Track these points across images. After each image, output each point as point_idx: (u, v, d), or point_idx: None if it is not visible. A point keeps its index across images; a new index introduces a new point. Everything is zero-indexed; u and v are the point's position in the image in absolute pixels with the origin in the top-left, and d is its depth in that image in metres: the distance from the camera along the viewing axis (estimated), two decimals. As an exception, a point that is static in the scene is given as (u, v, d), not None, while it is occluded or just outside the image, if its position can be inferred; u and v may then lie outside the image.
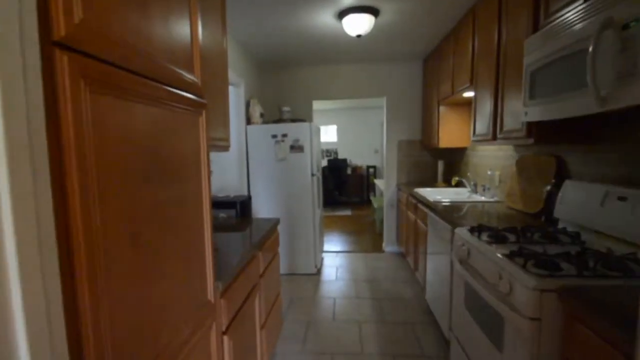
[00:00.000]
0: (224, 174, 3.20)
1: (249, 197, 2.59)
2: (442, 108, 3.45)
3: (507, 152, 2.62)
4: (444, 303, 2.20)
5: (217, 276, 1.29)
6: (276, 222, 2.22)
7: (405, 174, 4.22)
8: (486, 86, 2.27)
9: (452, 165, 3.98)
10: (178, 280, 0.97)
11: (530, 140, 1.77)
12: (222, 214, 2.33)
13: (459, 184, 3.68)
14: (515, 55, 1.89)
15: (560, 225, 1.78)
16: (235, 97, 3.37)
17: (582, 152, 1.79)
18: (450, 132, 3.47)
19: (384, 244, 4.34)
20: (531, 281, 1.15)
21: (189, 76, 1.07)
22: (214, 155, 2.93)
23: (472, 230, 1.72)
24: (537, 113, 1.60)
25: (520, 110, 1.85)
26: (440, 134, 3.47)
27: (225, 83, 2.14)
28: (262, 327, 1.87)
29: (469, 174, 3.19)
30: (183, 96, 1.01)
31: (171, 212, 0.93)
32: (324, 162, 8.20)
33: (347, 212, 6.98)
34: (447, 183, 3.97)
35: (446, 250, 2.16)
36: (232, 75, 3.13)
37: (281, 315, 2.37)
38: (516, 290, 1.23)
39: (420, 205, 2.98)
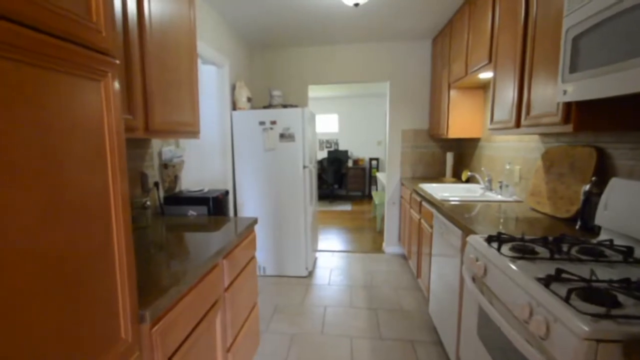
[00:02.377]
0: (205, 165, 2.85)
1: (226, 192, 2.23)
2: (452, 93, 3.05)
3: (529, 143, 2.23)
4: (451, 323, 1.84)
5: (146, 301, 0.94)
6: (252, 222, 1.86)
7: (409, 167, 3.83)
8: (509, 62, 1.87)
9: (462, 158, 3.58)
10: (48, 322, 0.61)
11: (568, 127, 1.39)
12: (192, 212, 1.99)
13: (470, 180, 3.29)
14: (549, 19, 1.50)
15: (604, 236, 1.40)
16: (219, 79, 2.99)
17: (634, 142, 1.40)
18: (462, 120, 3.07)
19: (384, 244, 3.98)
20: (581, 325, 0.79)
21: (74, 15, 0.70)
22: (191, 143, 2.59)
23: (489, 239, 1.35)
24: (580, 90, 1.21)
25: (553, 91, 1.46)
26: (450, 123, 3.07)
27: (190, 57, 1.77)
28: (228, 350, 1.54)
29: (483, 168, 2.81)
30: (52, 43, 0.64)
31: (24, 221, 0.58)
32: (324, 154, 7.82)
33: (347, 208, 6.62)
34: (457, 178, 3.58)
35: (454, 259, 1.80)
36: (215, 54, 2.76)
37: (259, 330, 2.03)
38: (556, 334, 0.86)
39: (425, 204, 2.61)
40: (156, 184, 1.89)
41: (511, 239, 1.34)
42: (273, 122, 3.11)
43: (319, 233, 4.79)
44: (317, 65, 3.80)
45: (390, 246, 3.92)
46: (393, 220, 3.91)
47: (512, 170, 2.42)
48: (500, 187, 2.49)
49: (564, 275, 1.01)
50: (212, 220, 1.85)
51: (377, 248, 4.09)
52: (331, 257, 3.78)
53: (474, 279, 1.40)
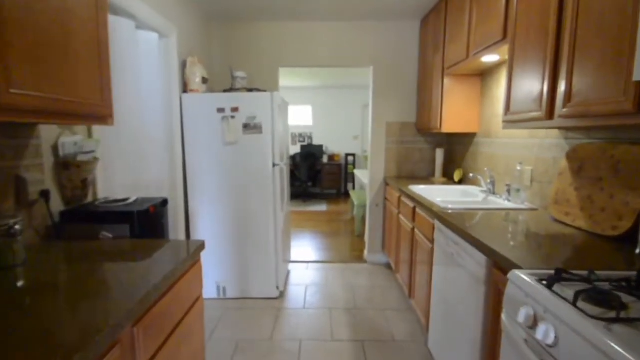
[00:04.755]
0: (144, 163, 2.22)
1: (164, 202, 1.64)
2: (447, 81, 2.59)
3: (545, 140, 1.81)
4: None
5: None
6: (198, 247, 1.29)
7: (394, 164, 3.37)
8: (537, 36, 1.40)
9: (453, 155, 3.16)
10: None
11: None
12: (105, 234, 1.38)
13: (463, 180, 2.87)
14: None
15: None
16: (162, 51, 2.35)
17: None
18: (457, 112, 2.62)
19: (365, 252, 3.51)
20: None
21: None
22: (120, 134, 1.95)
23: (550, 282, 0.88)
24: None
25: (616, 69, 1.00)
26: (444, 115, 2.62)
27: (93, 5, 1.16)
28: None
29: (485, 168, 2.38)
30: None
31: None
32: (297, 148, 7.25)
33: (322, 207, 6.11)
34: (448, 178, 3.15)
35: (474, 292, 1.32)
36: (157, 18, 2.12)
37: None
38: None
39: (420, 211, 2.14)
40: (45, 194, 1.27)
41: (579, 278, 0.88)
42: (235, 109, 2.51)
43: (292, 239, 4.24)
44: (290, 45, 3.23)
45: (373, 254, 3.45)
46: (376, 224, 3.44)
47: (522, 171, 1.99)
48: (508, 191, 2.06)
49: None
50: (134, 247, 1.26)
51: (358, 256, 3.61)
52: (306, 270, 3.25)
53: (526, 340, 0.92)
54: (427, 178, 3.24)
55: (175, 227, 2.52)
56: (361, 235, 4.26)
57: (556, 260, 1.08)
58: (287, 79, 6.08)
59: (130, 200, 1.57)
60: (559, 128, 1.65)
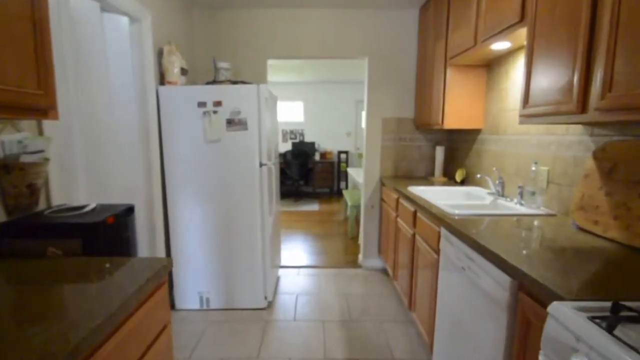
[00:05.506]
0: (114, 164, 1.97)
1: (128, 210, 1.40)
2: (450, 72, 2.39)
3: (564, 137, 1.62)
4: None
5: None
6: (162, 267, 1.07)
7: (391, 163, 3.16)
8: (565, 12, 1.20)
9: (454, 153, 2.97)
10: None
11: None
12: (53, 250, 1.14)
13: (466, 181, 2.68)
14: None
15: None
16: (134, 37, 2.10)
17: None
18: (461, 107, 2.43)
19: (360, 256, 3.31)
20: None
21: None
22: (86, 131, 1.70)
23: (609, 322, 0.68)
24: None
25: None
26: (447, 110, 2.42)
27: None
28: None
29: (494, 168, 2.18)
30: None
31: None
32: (288, 146, 7.01)
33: (314, 207, 5.89)
34: (448, 178, 2.97)
35: (494, 318, 1.12)
36: (123, -3, 1.87)
37: None
38: None
39: (422, 215, 1.94)
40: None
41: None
42: (217, 103, 2.28)
43: (282, 241, 4.02)
44: (279, 35, 2.99)
45: (368, 258, 3.25)
46: (371, 227, 3.24)
47: (537, 172, 1.80)
48: (521, 194, 1.86)
49: None
50: (83, 269, 1.03)
51: (352, 260, 3.41)
52: (296, 276, 3.04)
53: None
54: (426, 178, 3.05)
55: (152, 235, 2.28)
56: (355, 238, 4.06)
57: (600, 284, 0.88)
58: (277, 74, 5.83)
59: (87, 209, 1.33)
60: (593, 124, 1.44)
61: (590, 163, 1.39)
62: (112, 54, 1.99)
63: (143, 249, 2.20)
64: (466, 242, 1.34)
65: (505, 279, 1.05)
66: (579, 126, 1.53)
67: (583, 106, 1.15)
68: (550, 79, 1.30)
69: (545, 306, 0.84)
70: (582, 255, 1.09)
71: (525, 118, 1.46)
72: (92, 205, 1.38)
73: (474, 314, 1.28)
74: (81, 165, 1.71)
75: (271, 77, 5.96)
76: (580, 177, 1.48)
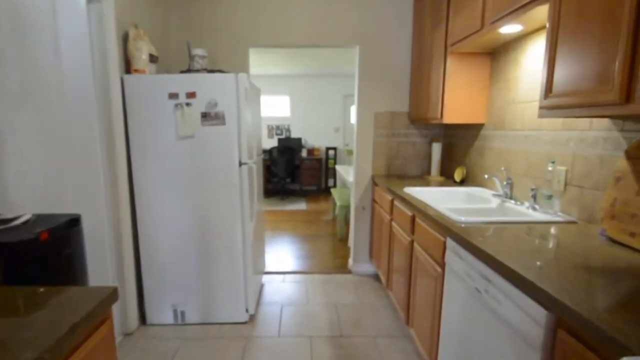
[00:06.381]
0: (70, 163, 1.68)
1: (71, 222, 1.14)
2: (450, 61, 2.18)
3: (586, 132, 1.42)
4: None
5: None
6: (104, 300, 0.82)
7: (383, 160, 2.95)
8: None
9: (452, 150, 2.77)
10: None
11: None
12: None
13: (465, 181, 2.49)
14: None
15: None
16: (94, 18, 1.81)
17: None
18: (462, 99, 2.22)
19: (350, 261, 3.09)
20: None
21: None
22: (30, 124, 1.41)
23: None
24: None
25: None
26: (447, 102, 2.21)
27: None
28: None
29: (502, 168, 1.99)
30: None
31: None
32: (274, 142, 6.74)
33: (301, 206, 5.65)
34: (446, 177, 2.77)
35: (520, 354, 0.92)
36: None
37: None
38: None
39: (421, 221, 1.73)
40: None
41: None
42: (191, 95, 2.01)
43: (267, 244, 3.78)
44: (263, 20, 2.72)
45: (359, 263, 3.04)
46: (363, 230, 3.02)
47: (554, 172, 1.61)
48: (534, 196, 1.67)
49: None
50: (13, 296, 0.77)
51: (341, 265, 3.19)
52: (282, 283, 2.80)
53: None
54: (421, 176, 2.84)
55: (117, 244, 2.01)
56: (344, 239, 3.85)
57: (627, 302, 0.68)
58: (261, 66, 5.53)
59: (18, 222, 1.06)
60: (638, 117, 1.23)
61: (622, 163, 1.19)
62: (67, 37, 1.70)
63: (105, 262, 1.92)
64: (481, 259, 1.13)
65: (540, 312, 0.84)
66: (605, 120, 1.33)
67: (627, 95, 0.94)
68: (580, 65, 1.09)
69: (597, 351, 0.63)
70: (628, 280, 0.89)
71: (547, 110, 1.25)
72: (27, 217, 1.11)
73: (492, 347, 1.07)
74: (25, 166, 1.42)
75: (255, 69, 5.68)
76: (609, 179, 1.29)
